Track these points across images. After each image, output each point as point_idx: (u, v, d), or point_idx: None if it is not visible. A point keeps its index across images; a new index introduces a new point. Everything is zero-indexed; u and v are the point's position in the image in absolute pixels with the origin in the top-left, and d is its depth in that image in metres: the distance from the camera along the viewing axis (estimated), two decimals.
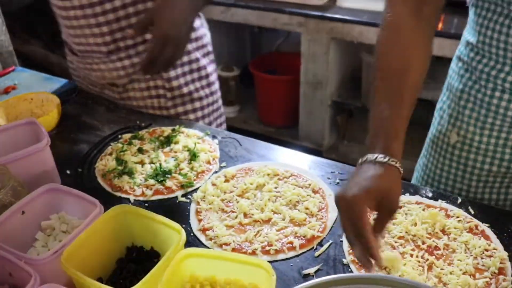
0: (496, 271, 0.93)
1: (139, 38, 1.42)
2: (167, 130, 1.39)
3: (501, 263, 0.95)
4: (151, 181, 1.19)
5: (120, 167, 1.24)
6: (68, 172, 1.25)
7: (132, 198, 1.15)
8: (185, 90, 1.52)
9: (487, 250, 0.98)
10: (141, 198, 1.15)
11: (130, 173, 1.22)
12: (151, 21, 1.19)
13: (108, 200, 1.13)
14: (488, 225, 1.05)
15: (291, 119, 3.12)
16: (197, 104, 1.56)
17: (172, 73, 1.49)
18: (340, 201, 0.83)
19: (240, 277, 0.79)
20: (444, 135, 1.22)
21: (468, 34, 1.16)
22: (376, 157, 0.85)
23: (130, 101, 1.55)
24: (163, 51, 1.18)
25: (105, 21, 1.37)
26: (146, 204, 1.13)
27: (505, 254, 0.97)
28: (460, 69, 1.18)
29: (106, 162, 1.27)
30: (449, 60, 1.29)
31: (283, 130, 3.22)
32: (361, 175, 0.85)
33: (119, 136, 1.38)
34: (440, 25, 2.49)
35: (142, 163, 1.26)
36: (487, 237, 1.02)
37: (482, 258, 0.96)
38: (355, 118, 3.06)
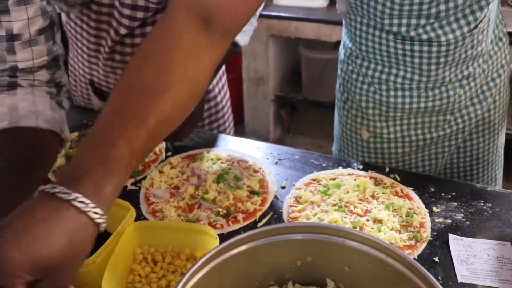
0: (418, 226, 1.05)
1: None
2: None
3: (422, 218, 1.07)
4: None
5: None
6: None
7: None
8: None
9: (410, 209, 1.10)
10: None
11: None
12: None
13: None
14: (411, 188, 1.17)
15: (236, 116, 3.19)
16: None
17: None
18: None
19: (188, 244, 0.87)
20: (355, 133, 1.35)
21: (348, 41, 1.28)
22: (72, 195, 0.60)
23: None
24: None
25: None
26: None
27: (425, 211, 1.09)
28: (352, 73, 1.28)
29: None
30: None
31: None
32: (32, 224, 0.58)
33: None
34: None
35: None
36: (410, 198, 1.13)
37: (406, 216, 1.08)
38: (298, 111, 3.19)
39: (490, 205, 1.12)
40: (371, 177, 1.20)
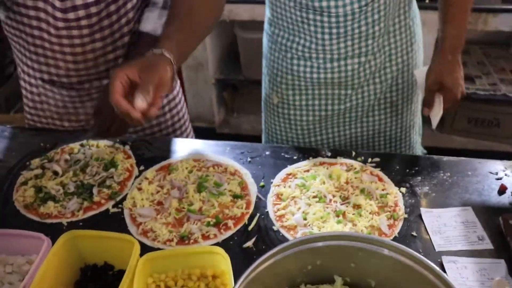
0: (393, 205, 1.15)
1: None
2: (76, 146, 1.41)
3: (394, 197, 1.16)
4: (78, 200, 1.22)
5: (41, 194, 1.24)
6: None
7: (64, 221, 1.17)
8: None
9: (383, 190, 1.19)
10: (73, 219, 1.18)
11: (54, 198, 1.22)
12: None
13: (41, 229, 1.10)
14: (379, 168, 1.26)
15: None
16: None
17: None
18: None
19: (197, 265, 0.91)
20: (269, 97, 1.49)
21: (267, 10, 1.41)
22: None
23: None
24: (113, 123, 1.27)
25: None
26: (81, 224, 1.17)
27: (396, 189, 1.19)
28: (268, 42, 1.44)
29: (23, 193, 1.25)
30: None
31: None
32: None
33: (28, 163, 1.36)
34: None
35: (62, 184, 1.27)
36: (381, 179, 1.22)
37: (381, 197, 1.16)
38: (240, 91, 3.23)
39: (448, 174, 1.24)
40: (341, 164, 1.27)
